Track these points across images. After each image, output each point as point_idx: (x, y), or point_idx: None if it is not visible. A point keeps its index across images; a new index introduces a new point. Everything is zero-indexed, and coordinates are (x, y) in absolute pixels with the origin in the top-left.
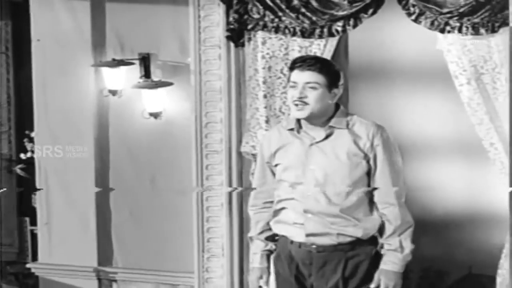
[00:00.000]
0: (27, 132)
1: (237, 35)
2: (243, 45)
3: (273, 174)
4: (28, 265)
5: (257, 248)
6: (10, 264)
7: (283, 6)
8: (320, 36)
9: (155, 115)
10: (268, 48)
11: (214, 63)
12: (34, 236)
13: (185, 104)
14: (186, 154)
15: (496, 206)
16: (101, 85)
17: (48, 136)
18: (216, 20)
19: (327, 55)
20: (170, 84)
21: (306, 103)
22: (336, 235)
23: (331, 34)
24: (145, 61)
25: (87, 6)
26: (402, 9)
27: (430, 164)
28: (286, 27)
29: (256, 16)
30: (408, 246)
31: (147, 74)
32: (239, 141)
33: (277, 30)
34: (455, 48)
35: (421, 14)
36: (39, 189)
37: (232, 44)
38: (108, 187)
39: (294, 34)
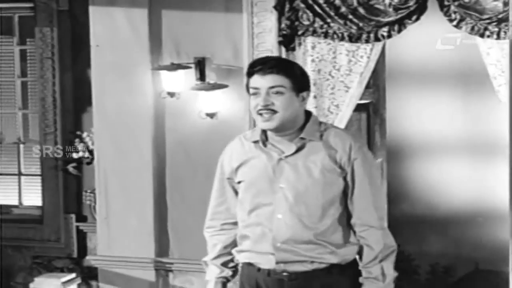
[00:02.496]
0: (78, 132)
1: (288, 40)
2: (293, 49)
3: (235, 191)
4: (88, 257)
5: (211, 274)
6: (56, 259)
7: (332, 13)
8: (367, 41)
9: (211, 115)
10: (317, 52)
11: None
12: (79, 232)
13: (239, 104)
14: None
15: (502, 203)
16: (159, 88)
17: (107, 136)
18: (268, 26)
19: (374, 59)
20: (225, 86)
21: (273, 111)
22: (311, 262)
23: (377, 39)
24: (200, 65)
25: (145, 14)
26: (444, 15)
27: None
28: (334, 32)
29: (306, 22)
30: (390, 274)
31: (202, 77)
32: None
33: (326, 35)
34: (494, 52)
35: (462, 20)
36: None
37: (283, 49)
38: (165, 184)
39: (342, 39)
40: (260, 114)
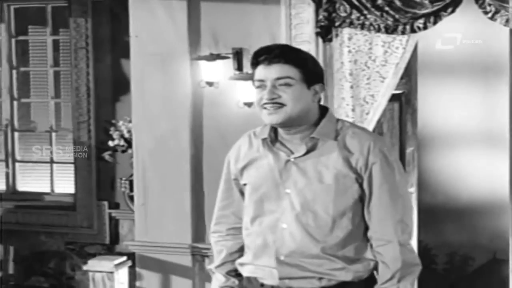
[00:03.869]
0: (113, 121)
1: (325, 31)
2: (330, 40)
3: (242, 193)
4: (125, 243)
5: (216, 282)
6: (89, 245)
7: (369, 5)
8: (403, 33)
9: (248, 105)
10: (354, 43)
11: None
12: (111, 219)
13: None
14: None
15: None
16: (198, 77)
17: (145, 124)
18: (306, 17)
19: (409, 50)
20: None
21: (280, 104)
22: (318, 279)
23: (413, 31)
24: (238, 55)
25: (184, 5)
26: (478, 8)
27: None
28: (371, 24)
29: (343, 14)
30: None
31: (240, 67)
32: None
33: (362, 26)
34: None
35: (496, 12)
36: (122, 178)
37: (320, 40)
38: (202, 171)
39: (378, 30)
40: (265, 108)
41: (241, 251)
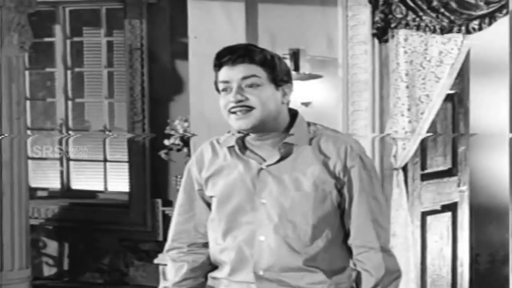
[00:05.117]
0: (168, 120)
1: (381, 32)
2: (386, 41)
3: (207, 205)
4: None
5: None
6: (142, 242)
7: (424, 7)
8: (458, 33)
9: (306, 105)
10: (410, 44)
11: (360, 58)
12: (165, 217)
13: (333, 94)
14: None
15: None
16: None
17: (203, 123)
18: (362, 19)
19: (464, 51)
20: (319, 76)
21: (248, 107)
22: None
23: (468, 32)
24: (295, 56)
25: (242, 7)
26: None
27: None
28: (426, 25)
29: (399, 15)
30: None
31: (297, 67)
32: (382, 127)
33: (418, 28)
34: None
35: None
36: (177, 176)
37: (376, 41)
38: None
39: (434, 31)
40: (233, 113)
41: (203, 267)
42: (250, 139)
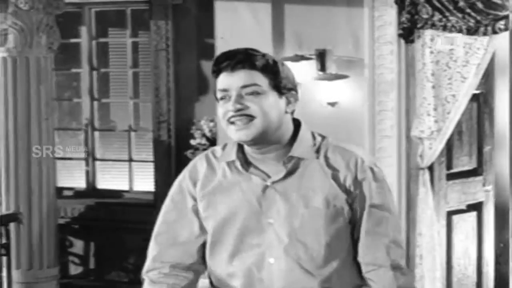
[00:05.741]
0: (194, 120)
1: (407, 33)
2: (413, 41)
3: (199, 223)
4: None
5: None
6: None
7: (451, 7)
8: (484, 34)
9: (332, 104)
10: (436, 44)
11: (386, 58)
12: None
13: (359, 94)
14: (360, 138)
15: None
16: None
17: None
18: (389, 19)
19: (490, 51)
20: (345, 76)
21: (249, 117)
22: None
23: (494, 32)
24: (321, 56)
25: (268, 7)
26: None
27: None
28: (452, 25)
29: (425, 16)
30: None
31: (323, 68)
32: (408, 127)
33: (444, 28)
34: None
35: None
36: None
37: (403, 41)
38: None
39: (460, 31)
40: (232, 123)
41: None
42: (251, 152)
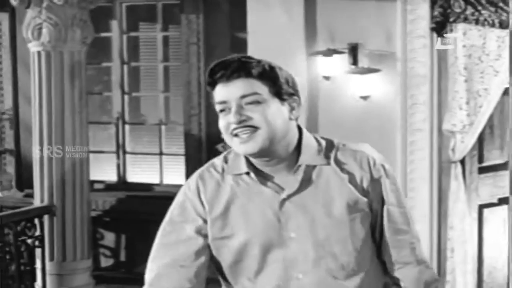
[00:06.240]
0: None
1: (440, 26)
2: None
3: (205, 244)
4: None
5: None
6: None
7: (483, 1)
8: None
9: (364, 98)
10: (468, 38)
11: (418, 52)
12: None
13: (391, 88)
14: (392, 132)
15: None
16: (313, 72)
17: None
18: (421, 13)
19: None
20: (377, 70)
21: (253, 128)
22: None
23: None
24: (354, 50)
25: (301, 1)
26: None
27: None
28: (485, 19)
29: (458, 10)
30: None
31: (355, 61)
32: (440, 120)
33: (477, 22)
34: None
35: None
36: None
37: (435, 35)
38: None
39: (492, 25)
40: (236, 135)
41: None
42: (257, 163)
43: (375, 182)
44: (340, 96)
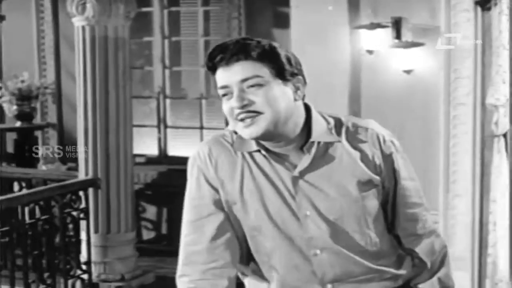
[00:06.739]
0: None
1: (484, 0)
2: (489, 9)
3: (226, 217)
4: None
5: None
6: None
7: None
8: None
9: (408, 72)
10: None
11: (462, 25)
12: None
13: (434, 62)
14: (435, 106)
15: None
16: (356, 46)
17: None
18: None
19: None
20: (421, 44)
21: (256, 112)
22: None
23: None
24: (397, 24)
25: None
26: None
27: None
28: None
29: None
30: (452, 281)
31: (398, 35)
32: (484, 94)
33: None
34: None
35: None
36: None
37: (479, 9)
38: None
39: None
40: (242, 120)
41: None
42: (266, 143)
43: (387, 158)
44: (383, 70)
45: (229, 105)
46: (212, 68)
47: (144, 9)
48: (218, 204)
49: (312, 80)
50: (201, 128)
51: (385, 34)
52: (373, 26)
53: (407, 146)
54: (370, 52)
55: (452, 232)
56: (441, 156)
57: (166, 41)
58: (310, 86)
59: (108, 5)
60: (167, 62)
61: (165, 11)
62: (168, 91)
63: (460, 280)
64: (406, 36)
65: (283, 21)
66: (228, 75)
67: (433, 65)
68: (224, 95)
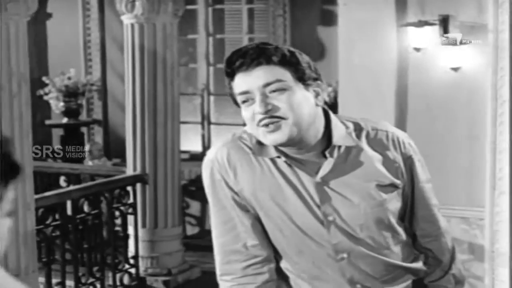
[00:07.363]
0: None
1: None
2: None
3: (247, 214)
4: None
5: None
6: None
7: None
8: None
9: (455, 70)
10: None
11: (509, 23)
12: None
13: (482, 59)
14: (482, 103)
15: None
16: (403, 43)
17: (351, 88)
18: None
19: None
20: (469, 42)
21: (280, 118)
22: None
23: None
24: (445, 21)
25: None
26: None
27: None
28: None
29: None
30: (464, 276)
31: (446, 33)
32: None
33: None
34: None
35: None
36: None
37: None
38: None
39: None
40: (266, 125)
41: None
42: (286, 150)
43: (406, 161)
44: (431, 68)
45: (251, 111)
46: (230, 74)
47: (189, 7)
48: (243, 206)
49: (359, 77)
50: (244, 125)
51: (433, 32)
52: (421, 23)
53: (453, 143)
54: (417, 49)
55: (497, 229)
56: (488, 153)
57: (211, 39)
58: (358, 81)
59: (157, 3)
60: (211, 59)
61: (210, 9)
62: (212, 88)
63: (501, 277)
64: (454, 33)
65: (328, 19)
66: (249, 80)
67: (481, 63)
68: (244, 101)
